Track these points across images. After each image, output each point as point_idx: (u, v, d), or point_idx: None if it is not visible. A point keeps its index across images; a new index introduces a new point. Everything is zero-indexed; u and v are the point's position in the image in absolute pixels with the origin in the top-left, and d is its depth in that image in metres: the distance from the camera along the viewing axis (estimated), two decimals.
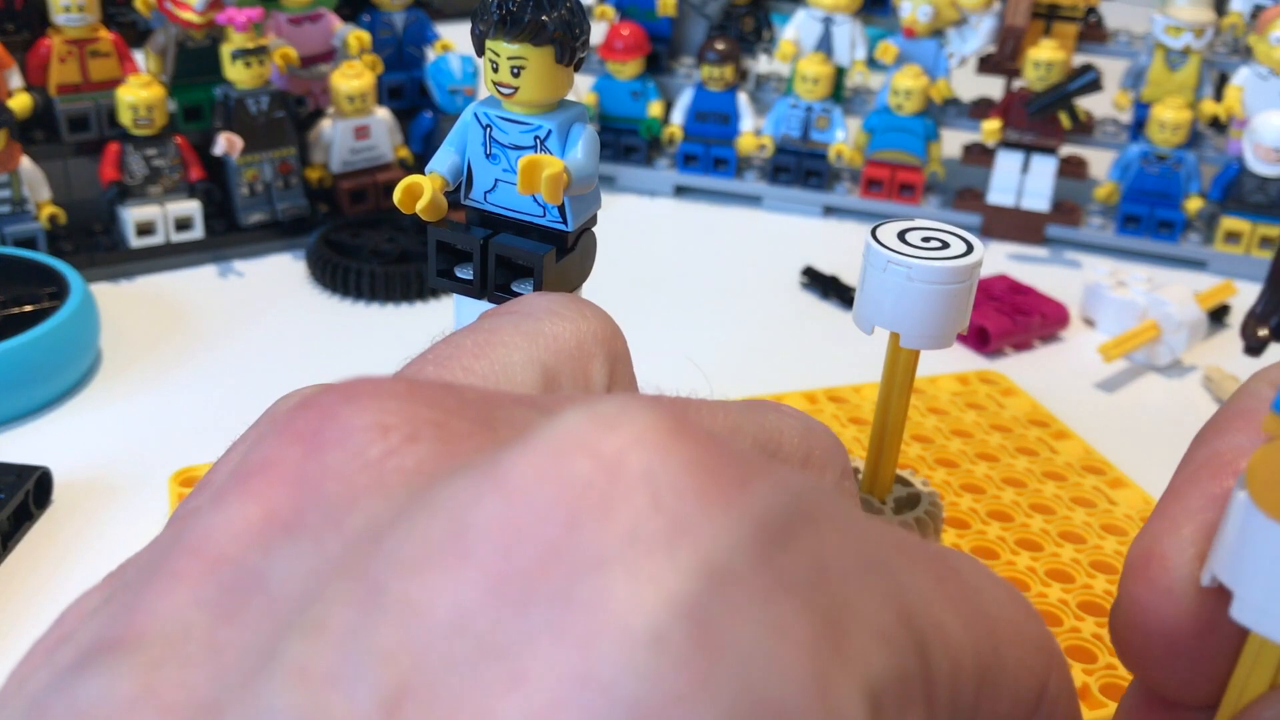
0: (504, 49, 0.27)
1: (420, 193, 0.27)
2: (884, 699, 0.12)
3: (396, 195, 0.27)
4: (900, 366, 0.35)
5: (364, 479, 0.13)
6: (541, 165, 0.26)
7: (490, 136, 0.28)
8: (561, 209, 0.28)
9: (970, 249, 0.33)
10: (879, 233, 0.34)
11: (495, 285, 0.28)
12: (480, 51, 0.27)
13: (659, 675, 0.10)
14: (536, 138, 0.27)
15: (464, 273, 0.28)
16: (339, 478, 0.13)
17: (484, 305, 0.29)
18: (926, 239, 0.34)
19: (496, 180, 0.28)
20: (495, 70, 0.27)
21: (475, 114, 0.28)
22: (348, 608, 0.11)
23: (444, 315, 0.55)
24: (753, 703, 0.10)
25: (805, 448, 0.18)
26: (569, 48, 0.27)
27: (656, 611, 0.10)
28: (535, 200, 0.28)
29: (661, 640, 0.10)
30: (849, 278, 0.59)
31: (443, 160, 0.28)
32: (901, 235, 0.34)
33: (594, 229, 0.29)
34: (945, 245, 0.33)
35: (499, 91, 0.27)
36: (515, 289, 0.28)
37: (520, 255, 0.28)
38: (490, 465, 0.12)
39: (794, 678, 0.11)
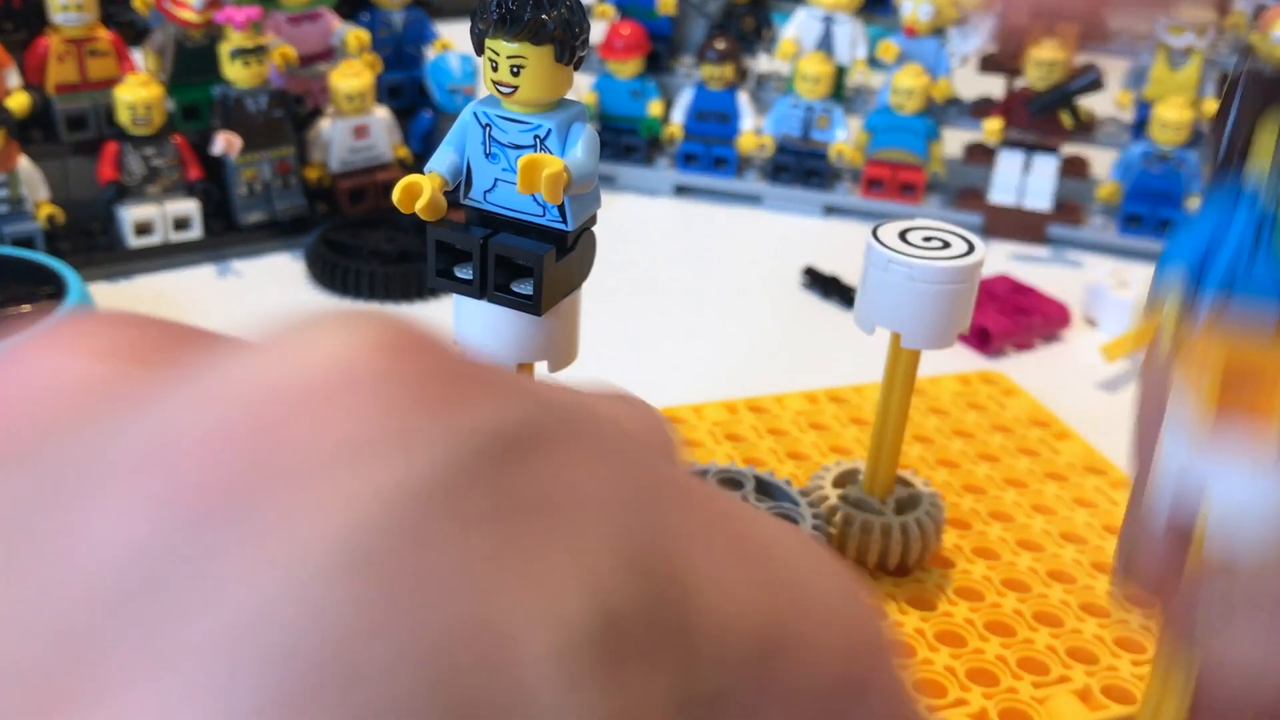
0: (503, 48, 0.26)
1: (419, 192, 0.27)
2: (601, 641, 0.11)
3: (395, 194, 0.27)
4: (901, 366, 0.35)
5: (44, 409, 0.12)
6: (541, 164, 0.26)
7: (490, 136, 0.28)
8: (561, 208, 0.27)
9: (971, 249, 0.33)
10: (880, 232, 0.34)
11: (495, 285, 0.28)
12: (480, 50, 0.27)
13: (332, 615, 0.09)
14: (536, 137, 0.27)
15: (463, 272, 0.28)
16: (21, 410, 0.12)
17: (483, 305, 0.29)
18: (928, 239, 0.33)
19: (496, 180, 0.28)
20: (495, 69, 0.27)
21: (474, 113, 0.28)
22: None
23: (444, 315, 0.55)
24: (434, 643, 0.09)
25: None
26: (569, 46, 0.27)
27: (337, 543, 0.09)
28: (535, 200, 0.28)
29: (342, 573, 0.09)
30: (850, 278, 0.59)
31: (442, 159, 0.28)
32: (903, 235, 0.33)
33: (594, 228, 0.29)
34: (946, 245, 0.33)
35: (498, 90, 0.27)
36: (515, 289, 0.28)
37: (520, 254, 0.28)
38: (190, 376, 0.11)
39: (478, 612, 0.10)
